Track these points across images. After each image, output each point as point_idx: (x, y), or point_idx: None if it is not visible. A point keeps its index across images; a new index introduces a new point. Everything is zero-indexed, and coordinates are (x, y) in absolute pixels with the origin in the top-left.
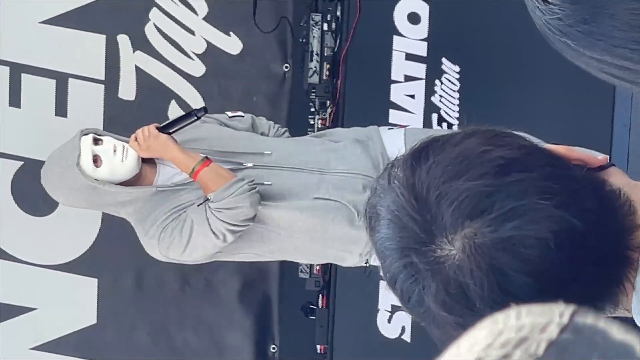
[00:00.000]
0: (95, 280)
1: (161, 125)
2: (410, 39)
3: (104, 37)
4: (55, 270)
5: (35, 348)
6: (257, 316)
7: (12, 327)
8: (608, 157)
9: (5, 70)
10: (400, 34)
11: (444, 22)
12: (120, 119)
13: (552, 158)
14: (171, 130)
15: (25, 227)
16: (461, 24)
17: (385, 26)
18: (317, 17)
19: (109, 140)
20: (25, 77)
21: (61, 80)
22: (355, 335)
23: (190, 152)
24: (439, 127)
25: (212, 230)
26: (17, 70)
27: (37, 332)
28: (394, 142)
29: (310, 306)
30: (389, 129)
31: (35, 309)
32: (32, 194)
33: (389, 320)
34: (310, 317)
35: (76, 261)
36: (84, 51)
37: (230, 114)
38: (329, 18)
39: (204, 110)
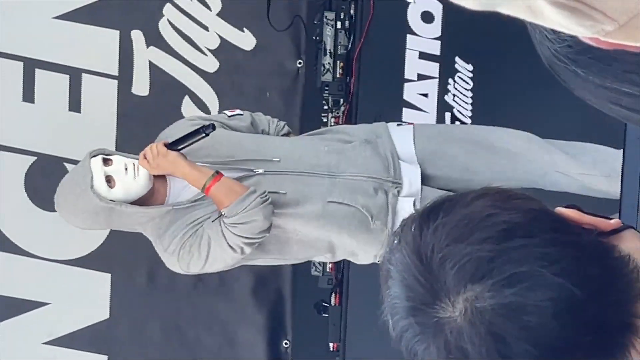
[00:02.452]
0: (108, 276)
1: (170, 142)
2: (423, 37)
3: (117, 32)
4: (69, 265)
5: (48, 343)
6: (270, 313)
7: (25, 321)
8: (621, 221)
9: (19, 65)
10: (413, 33)
11: (457, 21)
12: (133, 115)
13: (558, 223)
14: (179, 147)
15: (38, 222)
16: (474, 23)
17: (399, 25)
18: (331, 16)
19: (118, 160)
20: (39, 73)
21: (75, 75)
22: (368, 333)
23: (200, 168)
24: (449, 123)
25: (229, 245)
26: (31, 66)
27: (50, 327)
28: (404, 140)
29: (323, 304)
30: (397, 124)
31: (48, 303)
32: (45, 189)
33: None
34: (323, 315)
35: (89, 256)
36: (98, 47)
37: (229, 113)
38: (342, 16)
39: (212, 127)
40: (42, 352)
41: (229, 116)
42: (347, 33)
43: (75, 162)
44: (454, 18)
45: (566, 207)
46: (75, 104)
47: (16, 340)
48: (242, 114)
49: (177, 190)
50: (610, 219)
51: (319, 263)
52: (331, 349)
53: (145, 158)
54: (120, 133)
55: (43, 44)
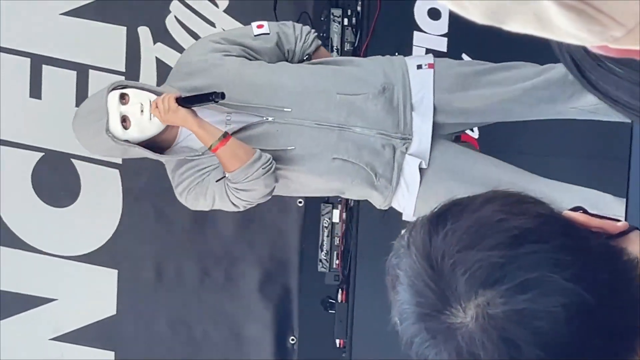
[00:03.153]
0: (115, 272)
1: (182, 97)
2: (430, 34)
3: (124, 28)
4: (76, 261)
5: (55, 339)
6: (277, 309)
7: (32, 317)
8: (627, 223)
9: (26, 61)
10: (420, 30)
11: (464, 18)
12: None
13: (568, 228)
14: (190, 105)
15: (45, 218)
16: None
17: (406, 21)
18: (338, 12)
19: (135, 96)
20: (46, 69)
21: (82, 71)
22: (375, 329)
23: (209, 127)
24: (469, 59)
25: (232, 202)
26: (38, 62)
27: (57, 322)
28: (422, 85)
29: (330, 300)
30: (417, 66)
31: (55, 299)
32: (52, 185)
33: None
34: (330, 312)
35: (96, 252)
36: (105, 43)
37: (255, 29)
38: (349, 13)
39: (222, 96)
40: (48, 348)
41: (255, 35)
42: (353, 30)
43: (82, 157)
44: (461, 15)
45: (573, 210)
46: (82, 100)
47: (23, 336)
48: (268, 33)
49: (187, 131)
50: (618, 220)
51: (325, 260)
52: (338, 346)
53: (157, 107)
54: None
55: (50, 40)
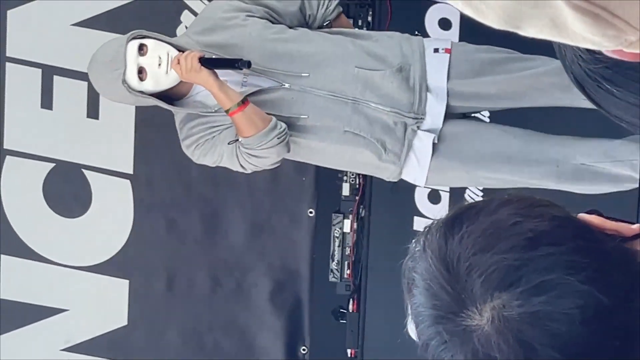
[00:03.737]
0: (126, 282)
1: (205, 57)
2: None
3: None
4: (87, 271)
5: (67, 349)
6: (288, 319)
7: (43, 328)
8: None
9: (37, 72)
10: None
11: (475, 28)
12: (152, 121)
13: (583, 230)
14: (212, 67)
15: (57, 229)
16: (492, 30)
17: (416, 31)
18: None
19: (153, 48)
20: (57, 79)
21: None
22: (386, 339)
23: (228, 90)
24: (487, 46)
25: (241, 164)
26: (49, 73)
27: (69, 333)
28: (437, 70)
29: (341, 310)
30: (434, 50)
31: (66, 310)
32: (63, 195)
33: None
34: (341, 321)
35: (107, 263)
36: None
37: None
38: (360, 23)
39: (248, 65)
40: (60, 358)
41: None
42: None
43: (93, 168)
44: (472, 25)
45: (587, 212)
46: (93, 111)
47: (34, 347)
48: None
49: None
50: (632, 223)
51: (336, 269)
52: (349, 355)
53: (178, 63)
54: (139, 140)
55: (61, 51)
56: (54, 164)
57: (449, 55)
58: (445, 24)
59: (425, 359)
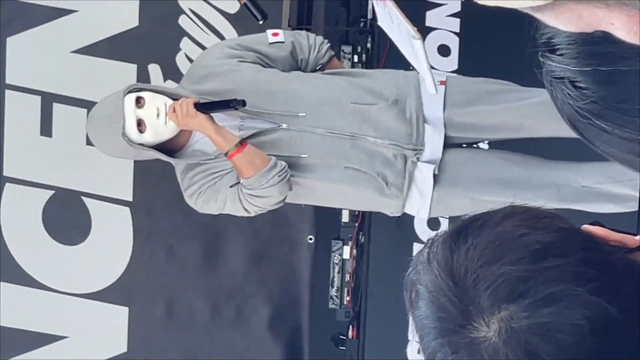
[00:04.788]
0: (126, 309)
1: (200, 103)
2: (440, 71)
3: (135, 66)
4: (87, 298)
5: None
6: (287, 345)
7: (43, 355)
8: None
9: (37, 99)
10: (430, 66)
11: (473, 55)
12: None
13: (589, 242)
14: (208, 111)
15: (56, 256)
16: (491, 57)
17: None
18: (348, 49)
19: (150, 100)
20: (56, 107)
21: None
22: None
23: (226, 134)
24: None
25: (244, 208)
26: (48, 100)
27: None
28: (434, 101)
29: (341, 337)
30: None
31: (66, 337)
32: (63, 222)
33: (419, 351)
34: (341, 348)
35: (107, 290)
36: (116, 80)
37: (270, 37)
38: (359, 50)
39: (243, 104)
40: None
41: (270, 43)
42: (363, 66)
43: (93, 195)
44: (470, 51)
45: (591, 224)
46: None
47: None
48: (283, 42)
49: (201, 134)
50: (634, 234)
51: (336, 296)
52: None
53: (174, 111)
54: (138, 167)
55: (61, 78)
56: (53, 191)
57: (444, 86)
58: (444, 50)
59: None
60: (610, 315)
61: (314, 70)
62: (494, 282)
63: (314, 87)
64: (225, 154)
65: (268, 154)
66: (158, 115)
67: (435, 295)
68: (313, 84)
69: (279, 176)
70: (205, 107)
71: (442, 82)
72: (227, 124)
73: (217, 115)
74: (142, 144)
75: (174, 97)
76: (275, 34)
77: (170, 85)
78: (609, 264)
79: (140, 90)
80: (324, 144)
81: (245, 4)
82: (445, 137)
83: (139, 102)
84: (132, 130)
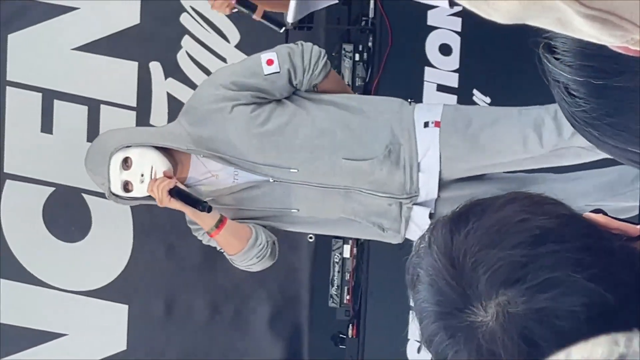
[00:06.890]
0: (125, 307)
1: (175, 189)
2: (441, 70)
3: (136, 64)
4: (86, 296)
5: None
6: (287, 345)
7: (43, 353)
8: None
9: (38, 96)
10: (431, 65)
11: (475, 54)
12: None
13: (589, 228)
14: (179, 199)
15: (56, 253)
16: (492, 56)
17: (417, 57)
18: (349, 48)
19: (137, 163)
20: (57, 104)
21: (93, 106)
22: None
23: (203, 217)
24: (478, 104)
25: (234, 264)
26: (49, 97)
27: (68, 358)
28: (428, 147)
29: (340, 335)
30: (424, 123)
31: (65, 334)
32: (63, 220)
33: (419, 350)
34: (340, 347)
35: (107, 287)
36: (116, 78)
37: (266, 66)
38: (360, 48)
39: (208, 209)
40: None
41: (266, 75)
42: (365, 65)
43: (93, 192)
44: (472, 51)
45: (593, 212)
46: (93, 135)
47: None
48: (278, 71)
49: (199, 171)
50: (636, 224)
51: (336, 295)
52: None
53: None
54: None
55: (62, 75)
56: (53, 188)
57: (438, 130)
58: (445, 49)
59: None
60: (607, 303)
61: (308, 91)
62: (493, 266)
63: (307, 138)
64: (207, 233)
65: (259, 207)
66: (142, 181)
67: (434, 278)
68: (306, 134)
69: (257, 257)
70: (178, 196)
71: (436, 124)
72: (224, 172)
73: (216, 165)
74: (132, 198)
75: (167, 148)
76: (269, 61)
77: (171, 84)
78: (608, 251)
79: (128, 147)
80: (316, 198)
81: (261, 20)
82: (441, 179)
83: (125, 162)
84: (118, 190)
